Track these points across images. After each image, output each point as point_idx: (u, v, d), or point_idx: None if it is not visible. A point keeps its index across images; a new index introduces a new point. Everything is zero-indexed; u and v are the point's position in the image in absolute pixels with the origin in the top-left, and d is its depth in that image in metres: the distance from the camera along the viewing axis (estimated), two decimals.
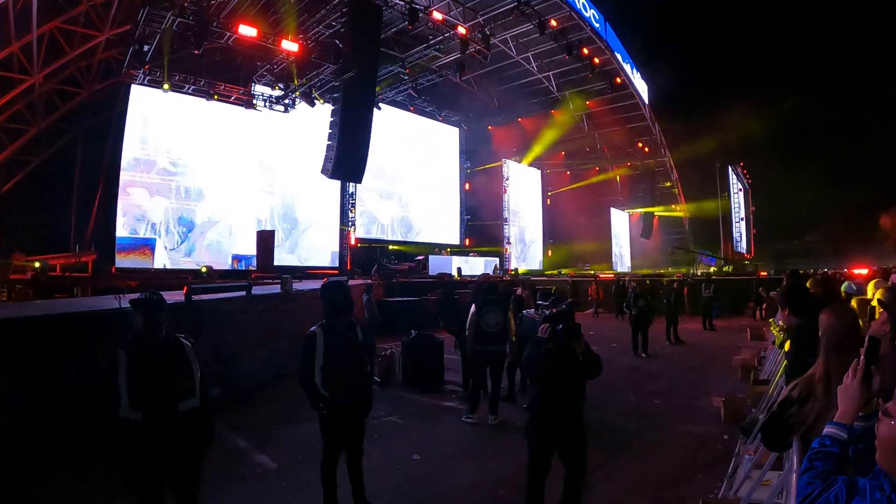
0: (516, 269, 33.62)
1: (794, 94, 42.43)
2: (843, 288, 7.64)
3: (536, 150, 37.88)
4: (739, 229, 47.70)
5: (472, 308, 8.47)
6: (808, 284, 6.38)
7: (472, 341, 8.39)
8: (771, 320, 8.91)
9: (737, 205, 47.01)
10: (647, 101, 35.27)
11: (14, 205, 20.86)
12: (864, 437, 1.98)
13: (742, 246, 47.67)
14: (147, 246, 20.66)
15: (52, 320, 6.30)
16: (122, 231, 20.14)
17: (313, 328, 4.79)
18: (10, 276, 17.95)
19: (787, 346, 5.36)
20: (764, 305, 20.96)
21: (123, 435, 3.58)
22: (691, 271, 35.30)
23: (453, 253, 31.85)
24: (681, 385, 10.88)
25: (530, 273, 33.26)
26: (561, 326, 4.68)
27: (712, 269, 39.22)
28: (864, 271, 18.64)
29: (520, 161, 38.06)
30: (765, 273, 31.65)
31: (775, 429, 2.81)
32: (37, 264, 18.64)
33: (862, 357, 2.08)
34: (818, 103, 44.32)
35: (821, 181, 44.40)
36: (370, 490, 5.16)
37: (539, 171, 40.28)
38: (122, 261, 20.08)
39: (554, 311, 4.92)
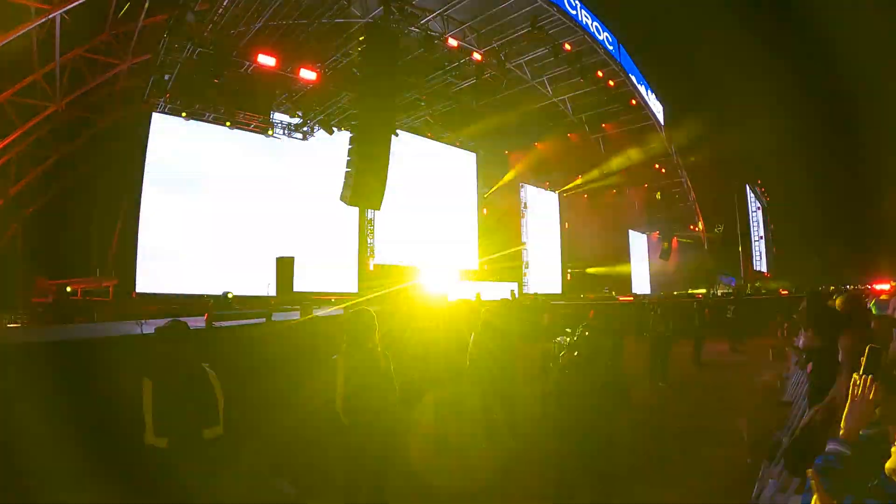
0: (535, 294, 33.50)
1: (811, 107, 42.33)
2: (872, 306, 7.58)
3: (553, 173, 37.96)
4: (759, 248, 47.41)
5: (472, 335, 8.47)
6: (837, 302, 6.33)
7: (472, 367, 8.36)
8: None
9: (755, 223, 46.78)
10: (662, 122, 35.26)
11: (36, 229, 21.13)
12: (863, 446, 2.00)
13: (762, 265, 47.32)
14: (167, 271, 20.84)
15: (75, 345, 6.36)
16: (142, 256, 20.32)
17: (335, 356, 4.82)
18: (32, 300, 18.15)
19: (809, 367, 5.33)
20: (786, 325, 20.76)
21: (148, 462, 3.62)
22: (711, 292, 35.07)
23: (471, 278, 31.80)
24: (703, 408, 10.79)
25: (549, 297, 33.10)
26: (577, 353, 4.71)
27: (730, 288, 38.95)
28: (887, 286, 18.36)
29: (537, 185, 38.10)
30: (785, 291, 31.38)
31: (798, 454, 2.81)
32: (69, 288, 18.83)
33: (862, 369, 2.09)
34: (835, 116, 44.18)
35: (840, 195, 44.14)
36: None
37: (556, 195, 40.29)
38: (143, 285, 20.26)
39: (576, 337, 4.96)
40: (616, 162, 38.04)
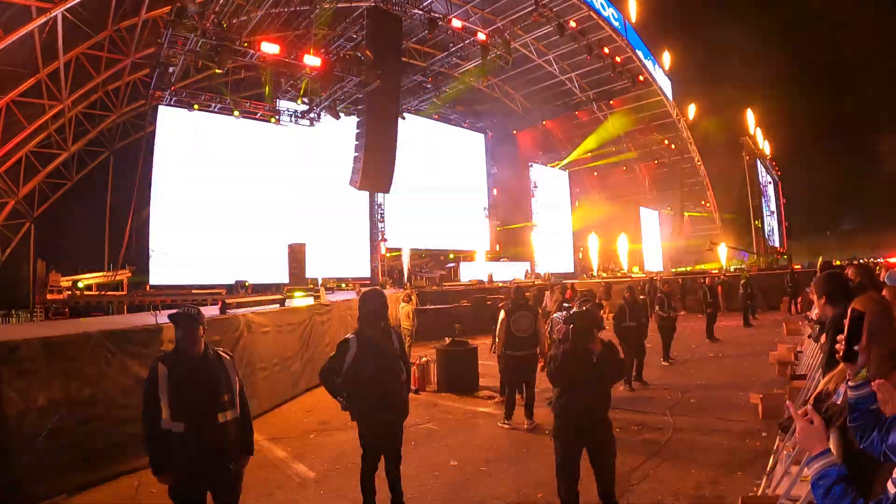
0: (548, 273, 33.43)
1: (822, 79, 41.93)
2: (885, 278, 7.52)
3: (562, 152, 37.79)
4: (771, 223, 47.08)
5: (503, 313, 8.50)
6: (848, 272, 6.27)
7: (503, 346, 8.42)
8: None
9: (767, 198, 46.40)
10: (671, 97, 35.02)
11: (49, 226, 21.33)
12: (859, 407, 2.01)
13: (774, 239, 47.01)
14: (180, 262, 20.91)
15: (90, 337, 6.40)
16: (154, 248, 20.40)
17: (349, 335, 4.85)
18: (46, 296, 18.31)
19: (822, 338, 5.28)
20: (799, 299, 20.69)
21: (166, 446, 3.67)
22: (723, 267, 34.87)
23: (484, 259, 31.80)
24: (717, 383, 10.78)
25: (562, 276, 33.02)
26: (572, 327, 4.68)
27: (744, 263, 38.74)
28: None
29: (546, 164, 37.94)
30: (798, 266, 31.20)
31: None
32: (82, 283, 18.99)
33: (846, 331, 2.11)
34: (846, 87, 43.76)
35: (853, 167, 43.78)
36: (408, 496, 5.20)
37: (566, 173, 40.10)
38: (157, 278, 20.37)
39: (572, 312, 4.94)
40: (625, 138, 37.89)
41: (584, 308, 4.92)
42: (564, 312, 5.54)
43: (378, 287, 7.97)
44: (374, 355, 4.72)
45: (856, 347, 2.14)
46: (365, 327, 4.88)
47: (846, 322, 2.15)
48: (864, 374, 2.11)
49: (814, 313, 7.54)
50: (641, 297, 12.61)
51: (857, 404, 2.04)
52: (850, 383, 2.14)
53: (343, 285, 22.79)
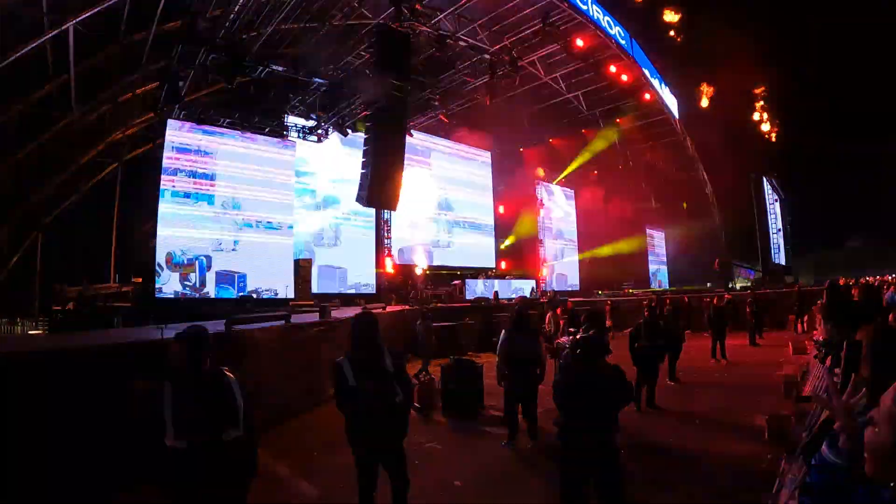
0: (553, 291, 33.34)
1: (827, 94, 42.02)
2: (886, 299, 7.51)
3: (569, 170, 37.83)
4: (777, 241, 46.93)
5: (503, 333, 8.48)
6: (854, 293, 6.27)
7: (503, 366, 8.40)
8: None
9: (773, 216, 46.29)
10: (677, 115, 35.06)
11: (56, 236, 21.39)
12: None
13: (780, 257, 46.86)
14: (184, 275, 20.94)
15: (95, 351, 6.42)
16: (161, 262, 20.43)
17: (340, 358, 4.87)
18: (52, 307, 18.34)
19: (828, 360, 5.28)
20: (805, 318, 20.62)
21: (169, 464, 3.68)
22: (731, 285, 34.81)
23: (489, 276, 31.76)
24: (722, 403, 10.72)
25: (568, 294, 32.93)
26: (579, 351, 4.66)
27: (749, 281, 38.66)
28: None
29: (552, 182, 37.97)
30: (804, 282, 31.13)
31: (817, 449, 2.78)
32: (89, 294, 19.01)
33: (843, 363, 2.13)
34: (851, 104, 43.83)
35: (859, 185, 43.77)
36: None
37: (572, 191, 40.10)
38: (162, 291, 20.39)
39: (578, 337, 4.93)
40: (631, 156, 37.95)
41: (590, 333, 4.89)
42: (571, 337, 5.49)
43: (370, 311, 7.95)
44: (366, 376, 4.73)
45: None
46: (356, 349, 4.90)
47: (842, 354, 2.18)
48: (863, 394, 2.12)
49: (819, 334, 7.55)
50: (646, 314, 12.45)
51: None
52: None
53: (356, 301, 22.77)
